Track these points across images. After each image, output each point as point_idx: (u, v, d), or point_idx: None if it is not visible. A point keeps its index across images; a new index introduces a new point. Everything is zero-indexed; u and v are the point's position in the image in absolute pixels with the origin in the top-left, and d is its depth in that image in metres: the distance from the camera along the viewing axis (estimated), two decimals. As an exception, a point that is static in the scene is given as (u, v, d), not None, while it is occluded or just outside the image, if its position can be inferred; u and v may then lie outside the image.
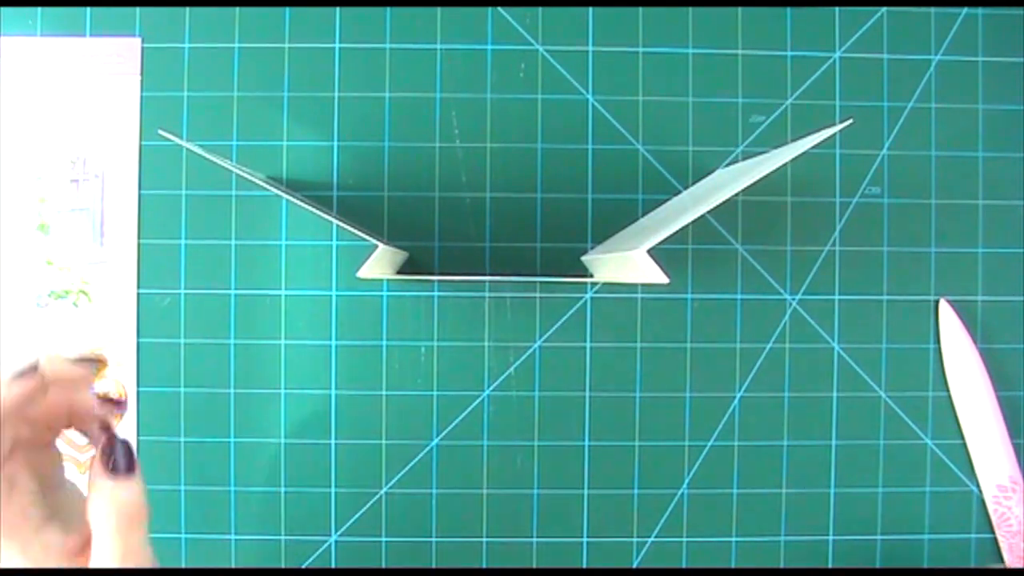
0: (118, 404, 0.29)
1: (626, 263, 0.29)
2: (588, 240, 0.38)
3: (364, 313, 0.38)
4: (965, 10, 0.38)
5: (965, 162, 0.38)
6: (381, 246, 0.29)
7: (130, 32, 0.37)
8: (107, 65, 0.37)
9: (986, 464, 0.37)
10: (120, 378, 0.37)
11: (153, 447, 0.37)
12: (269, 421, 0.37)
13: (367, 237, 0.30)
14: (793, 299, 0.38)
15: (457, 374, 0.38)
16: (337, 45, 0.38)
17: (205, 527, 0.37)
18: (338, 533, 0.37)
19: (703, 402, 0.38)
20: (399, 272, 0.36)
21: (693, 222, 0.25)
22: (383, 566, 0.37)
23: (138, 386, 0.37)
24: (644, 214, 0.38)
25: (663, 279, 0.25)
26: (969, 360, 0.37)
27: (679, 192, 0.38)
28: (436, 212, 0.38)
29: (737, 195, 0.26)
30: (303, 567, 0.37)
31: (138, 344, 0.37)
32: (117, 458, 0.24)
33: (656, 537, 0.38)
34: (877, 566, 0.38)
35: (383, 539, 0.37)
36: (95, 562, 0.23)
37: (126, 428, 0.37)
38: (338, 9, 0.38)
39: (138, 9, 0.37)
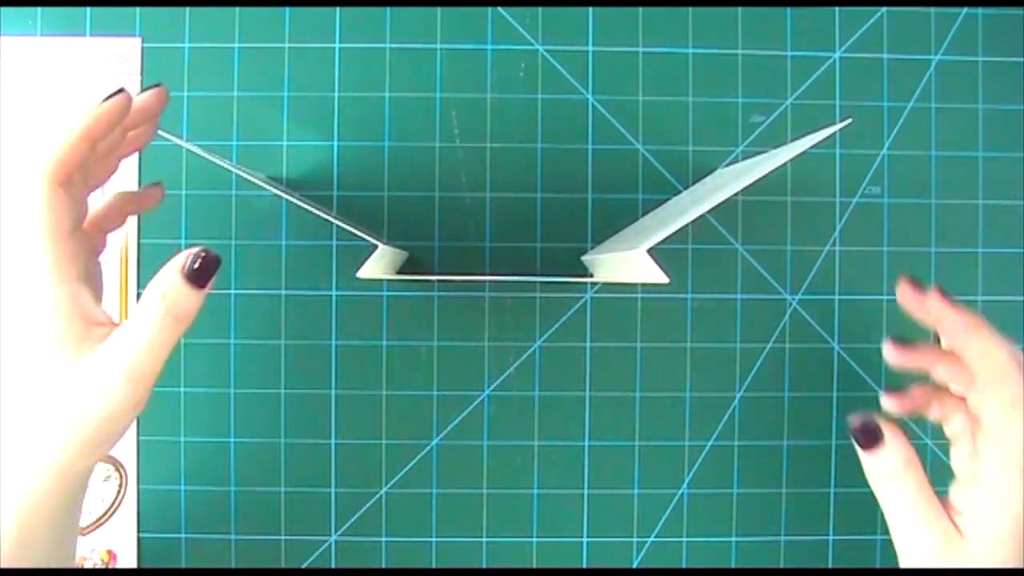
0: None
1: (626, 263, 0.29)
2: (588, 240, 0.38)
3: (364, 313, 0.38)
4: (965, 10, 0.38)
5: (965, 162, 0.38)
6: (381, 246, 0.29)
7: (130, 32, 0.37)
8: (107, 65, 0.37)
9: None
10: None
11: (153, 447, 0.37)
12: (269, 421, 0.37)
13: (367, 237, 0.30)
14: (793, 299, 0.38)
15: (457, 374, 0.38)
16: (337, 45, 0.38)
17: (205, 527, 0.37)
18: (338, 533, 0.37)
19: (703, 402, 0.38)
20: (399, 272, 0.36)
21: (693, 222, 0.25)
22: (383, 566, 0.37)
23: (138, 386, 0.37)
24: (644, 214, 0.38)
25: (663, 279, 0.25)
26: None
27: (679, 192, 0.38)
28: (436, 212, 0.38)
29: (737, 195, 0.26)
30: (303, 567, 0.37)
31: (138, 344, 0.37)
32: (195, 266, 0.25)
33: (656, 537, 0.38)
34: (877, 566, 0.38)
35: (383, 539, 0.37)
36: (115, 338, 0.25)
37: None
38: (338, 9, 0.38)
39: (138, 9, 0.37)
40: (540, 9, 0.38)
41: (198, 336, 0.37)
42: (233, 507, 0.37)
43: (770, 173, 0.28)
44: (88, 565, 0.37)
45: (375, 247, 0.29)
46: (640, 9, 0.38)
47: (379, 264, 0.30)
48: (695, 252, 0.38)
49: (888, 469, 0.28)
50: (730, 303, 0.38)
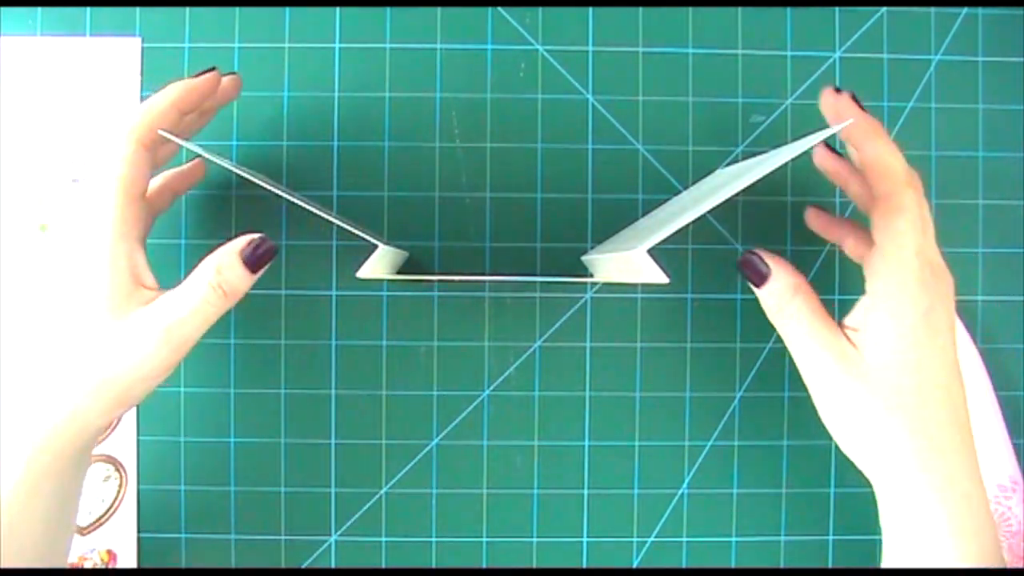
0: None
1: (626, 263, 0.29)
2: (588, 240, 0.38)
3: (364, 313, 0.38)
4: (965, 10, 0.38)
5: (965, 162, 0.38)
6: (381, 246, 0.29)
7: (130, 32, 0.37)
8: (107, 65, 0.37)
9: (986, 464, 0.37)
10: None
11: (153, 447, 0.37)
12: (269, 421, 0.37)
13: (367, 237, 0.30)
14: (793, 299, 0.38)
15: (457, 374, 0.38)
16: (337, 45, 0.38)
17: (205, 527, 0.37)
18: (338, 533, 0.37)
19: (703, 402, 0.38)
20: (399, 272, 0.36)
21: (693, 222, 0.25)
22: (383, 566, 0.37)
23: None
24: (644, 214, 0.38)
25: (663, 279, 0.25)
26: (969, 360, 0.37)
27: (679, 192, 0.38)
28: (436, 212, 0.38)
29: (737, 195, 0.26)
30: (303, 567, 0.37)
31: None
32: (254, 252, 0.28)
33: (656, 537, 0.38)
34: (878, 566, 0.38)
35: (383, 539, 0.37)
36: (163, 300, 0.27)
37: (126, 428, 0.37)
38: (338, 9, 0.38)
39: (138, 9, 0.37)
40: (540, 9, 0.38)
41: (198, 336, 0.37)
42: (233, 507, 0.37)
43: (770, 173, 0.28)
44: (88, 565, 0.37)
45: (375, 247, 0.29)
46: (640, 9, 0.38)
47: (379, 264, 0.30)
48: (695, 252, 0.38)
49: (778, 298, 0.29)
50: (730, 303, 0.38)
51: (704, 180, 0.37)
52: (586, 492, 0.38)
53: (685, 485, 0.38)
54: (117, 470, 0.37)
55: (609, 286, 0.38)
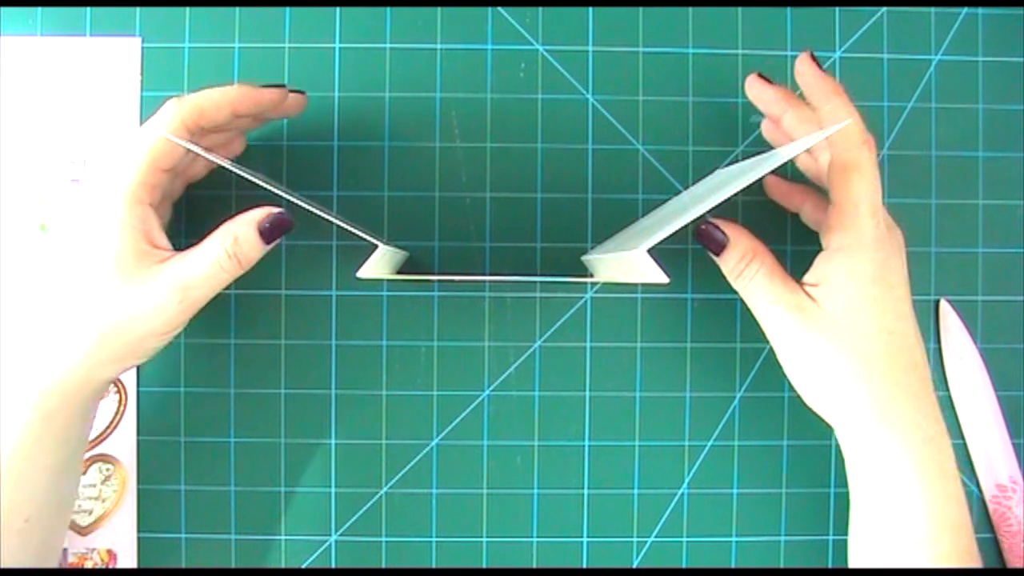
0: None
1: (626, 263, 0.29)
2: (588, 240, 0.38)
3: (364, 313, 0.38)
4: (965, 10, 0.38)
5: (965, 162, 0.38)
6: (381, 246, 0.29)
7: (130, 32, 0.37)
8: (107, 65, 0.37)
9: (986, 464, 0.37)
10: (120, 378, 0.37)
11: (153, 447, 0.37)
12: (269, 421, 0.37)
13: (367, 237, 0.30)
14: (793, 299, 0.38)
15: (457, 374, 0.38)
16: (337, 45, 0.38)
17: (205, 527, 0.37)
18: (338, 533, 0.37)
19: (703, 402, 0.38)
20: (399, 272, 0.36)
21: (693, 222, 0.26)
22: (383, 566, 0.37)
23: (138, 386, 0.37)
24: (644, 214, 0.38)
25: (663, 279, 0.25)
26: (969, 360, 0.37)
27: (679, 192, 0.38)
28: (436, 212, 0.38)
29: (737, 195, 0.26)
30: (303, 567, 0.37)
31: (138, 344, 0.37)
32: (269, 224, 0.29)
33: (656, 537, 0.38)
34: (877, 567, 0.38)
35: (383, 539, 0.37)
36: (177, 259, 0.29)
37: (126, 427, 0.37)
38: (338, 9, 0.38)
39: (138, 9, 0.37)
40: (540, 9, 0.38)
41: (198, 336, 0.37)
42: (233, 507, 0.37)
43: (770, 173, 0.28)
44: (88, 565, 0.37)
45: (375, 247, 0.29)
46: (640, 9, 0.38)
47: (379, 264, 0.30)
48: (695, 252, 0.38)
49: (737, 263, 0.30)
50: (730, 303, 0.38)
51: (704, 180, 0.37)
52: (586, 492, 0.38)
53: (685, 485, 0.38)
54: (117, 470, 0.37)
55: (609, 286, 0.38)
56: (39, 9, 0.37)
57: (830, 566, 0.38)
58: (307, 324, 0.37)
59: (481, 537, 0.38)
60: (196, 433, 0.37)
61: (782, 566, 0.38)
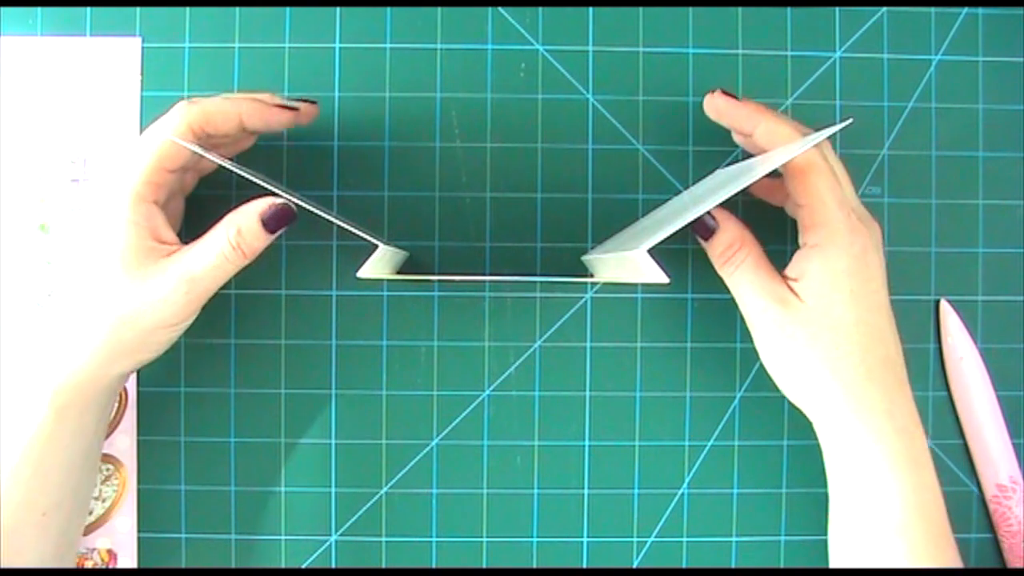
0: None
1: (626, 263, 0.29)
2: (588, 240, 0.38)
3: (364, 313, 0.38)
4: (965, 10, 0.38)
5: (965, 162, 0.38)
6: (381, 246, 0.29)
7: (130, 32, 0.37)
8: (107, 65, 0.37)
9: (986, 464, 0.37)
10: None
11: (153, 447, 0.37)
12: (269, 421, 0.37)
13: (367, 237, 0.30)
14: (793, 299, 0.38)
15: (457, 374, 0.38)
16: (337, 45, 0.38)
17: (205, 527, 0.37)
18: (338, 533, 0.37)
19: (703, 402, 0.38)
20: (399, 272, 0.36)
21: (693, 222, 0.26)
22: (383, 566, 0.37)
23: (138, 386, 0.37)
24: (644, 214, 0.38)
25: (664, 279, 0.25)
26: (969, 360, 0.37)
27: (679, 192, 0.38)
28: (436, 212, 0.38)
29: (737, 195, 0.26)
30: (303, 567, 0.37)
31: (138, 344, 0.37)
32: (272, 215, 0.30)
33: (656, 537, 0.38)
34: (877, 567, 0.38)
35: (383, 539, 0.37)
36: (184, 252, 0.30)
37: (126, 428, 0.37)
38: (338, 9, 0.38)
39: (138, 9, 0.37)
40: (540, 9, 0.38)
41: (198, 336, 0.37)
42: (233, 507, 0.37)
43: (770, 173, 0.28)
44: (88, 565, 0.37)
45: (375, 247, 0.29)
46: (640, 9, 0.38)
47: (379, 264, 0.30)
48: (695, 252, 0.38)
49: (724, 249, 0.31)
50: (730, 303, 0.38)
51: (704, 180, 0.37)
52: (586, 492, 0.38)
53: (685, 485, 0.38)
54: (117, 470, 0.37)
55: (609, 286, 0.38)
56: (39, 9, 0.37)
57: (830, 566, 0.38)
58: (307, 324, 0.37)
59: (481, 537, 0.38)
60: (196, 433, 0.37)
61: (782, 566, 0.38)
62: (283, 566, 0.37)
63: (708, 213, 0.30)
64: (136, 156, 0.29)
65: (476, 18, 0.38)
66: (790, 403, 0.33)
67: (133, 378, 0.37)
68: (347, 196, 0.38)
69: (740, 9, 0.38)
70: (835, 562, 0.32)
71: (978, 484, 0.38)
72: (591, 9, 0.38)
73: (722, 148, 0.38)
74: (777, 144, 0.31)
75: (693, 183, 0.38)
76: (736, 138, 0.36)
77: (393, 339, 0.38)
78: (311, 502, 0.37)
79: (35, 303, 0.37)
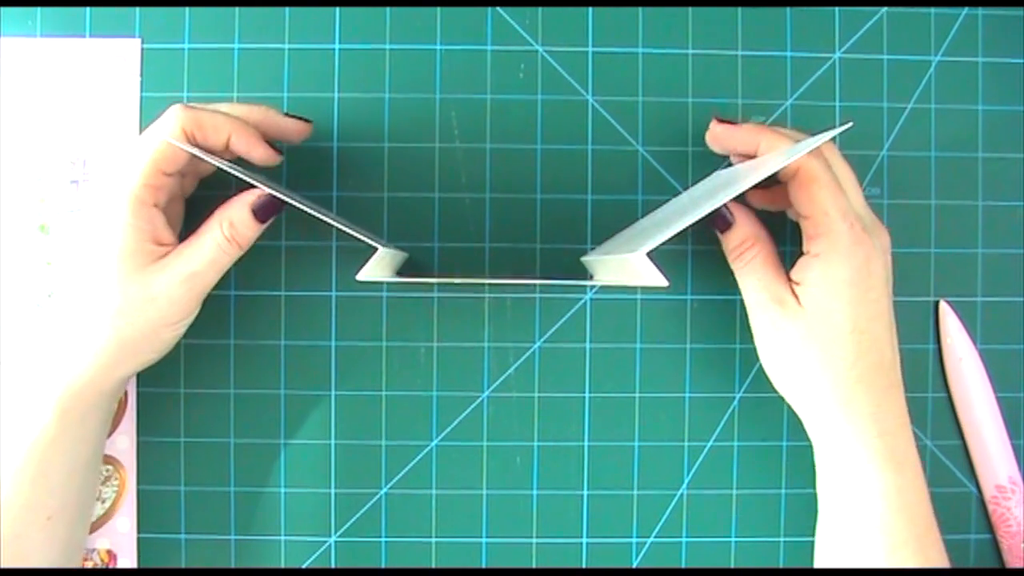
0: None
1: (626, 266, 0.29)
2: (588, 241, 0.38)
3: (364, 313, 0.38)
4: (965, 10, 0.38)
5: (965, 163, 0.38)
6: (381, 249, 0.29)
7: (130, 33, 0.37)
8: (107, 66, 0.37)
9: (985, 465, 0.37)
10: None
11: (153, 447, 0.37)
12: (269, 422, 0.37)
13: (367, 240, 0.30)
14: (793, 300, 0.38)
15: (457, 375, 0.38)
16: (337, 45, 0.38)
17: (205, 527, 0.37)
18: (338, 533, 0.37)
19: (703, 403, 0.38)
20: (398, 273, 0.36)
21: (692, 225, 0.26)
22: (383, 566, 0.37)
23: (138, 387, 0.37)
24: (644, 215, 0.38)
25: (663, 282, 0.25)
26: (968, 361, 0.37)
27: (679, 193, 0.38)
28: (436, 212, 0.38)
29: (739, 198, 0.26)
30: (303, 567, 0.37)
31: (138, 344, 0.37)
32: (261, 205, 0.30)
33: (656, 537, 0.38)
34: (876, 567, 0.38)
35: (383, 539, 0.38)
36: (181, 250, 0.30)
37: (126, 428, 0.37)
38: (338, 9, 0.38)
39: (138, 9, 0.37)
40: (540, 9, 0.38)
41: (198, 336, 0.37)
42: (233, 507, 0.37)
43: (768, 182, 0.28)
44: (88, 565, 0.37)
45: (375, 249, 0.29)
46: (640, 9, 0.38)
47: (379, 267, 0.30)
48: (695, 253, 0.38)
49: (738, 244, 0.32)
50: (730, 304, 0.38)
51: (703, 181, 0.37)
52: (586, 493, 0.38)
53: (685, 486, 0.38)
54: (117, 470, 0.37)
55: (608, 287, 0.38)
56: (39, 9, 0.37)
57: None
58: (307, 325, 0.38)
59: (481, 538, 0.38)
60: (196, 434, 0.37)
61: (782, 566, 0.38)
62: (283, 566, 0.37)
63: (725, 206, 0.31)
64: (133, 160, 0.30)
65: (476, 19, 0.38)
66: (789, 404, 0.33)
67: (132, 379, 0.37)
68: (347, 197, 0.38)
69: (740, 10, 0.38)
70: (819, 557, 0.33)
71: (977, 485, 0.38)
72: (591, 9, 0.38)
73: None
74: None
75: (692, 184, 0.38)
76: (736, 160, 0.36)
77: (393, 340, 0.38)
78: (311, 503, 0.37)
79: (35, 304, 0.37)
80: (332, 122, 0.38)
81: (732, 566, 0.38)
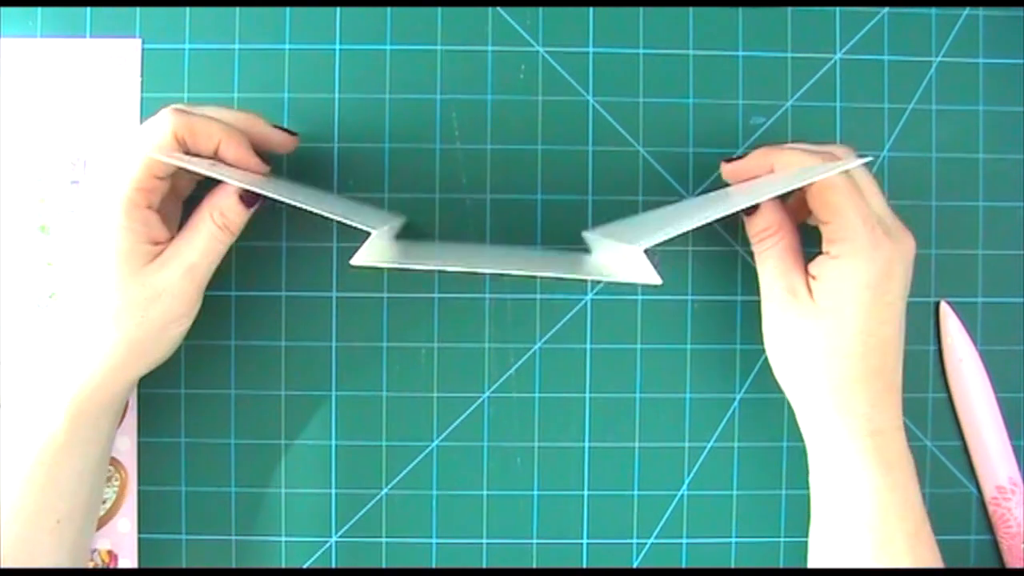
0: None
1: (621, 256, 0.28)
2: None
3: (364, 314, 0.38)
4: (966, 11, 0.38)
5: (966, 164, 0.38)
6: (375, 233, 0.28)
7: (130, 33, 0.37)
8: (107, 66, 0.37)
9: (985, 465, 0.37)
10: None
11: (153, 448, 0.37)
12: (270, 422, 0.37)
13: (359, 225, 0.29)
14: (793, 300, 0.38)
15: (457, 375, 0.38)
16: (337, 46, 0.38)
17: (205, 528, 0.37)
18: (338, 534, 0.38)
19: (703, 403, 0.38)
20: (396, 254, 0.35)
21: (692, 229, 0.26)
22: (383, 567, 0.37)
23: (138, 388, 0.37)
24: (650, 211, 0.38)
25: (656, 280, 0.25)
26: (969, 362, 0.37)
27: (679, 194, 0.38)
28: (436, 213, 0.38)
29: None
30: (303, 567, 0.37)
31: (138, 345, 0.37)
32: (246, 190, 0.30)
33: (656, 538, 0.38)
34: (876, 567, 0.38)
35: (383, 540, 0.38)
36: (176, 244, 0.31)
37: (126, 428, 0.37)
38: (338, 9, 0.38)
39: (138, 9, 0.37)
40: (540, 10, 0.38)
41: (198, 336, 0.37)
42: (233, 507, 0.37)
43: (785, 196, 0.28)
44: (89, 566, 0.37)
45: (368, 235, 0.28)
46: (640, 10, 0.38)
47: (374, 251, 0.29)
48: (695, 253, 0.38)
49: (762, 228, 0.32)
50: (730, 305, 0.38)
51: (713, 193, 0.37)
52: (586, 493, 0.38)
53: (685, 486, 0.38)
54: (117, 470, 0.37)
55: (609, 288, 0.38)
56: (39, 10, 0.37)
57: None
58: (307, 325, 0.38)
59: (481, 539, 0.38)
60: (196, 434, 0.37)
61: (782, 566, 0.38)
62: (283, 566, 0.37)
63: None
64: (125, 164, 0.29)
65: (476, 19, 0.38)
66: (790, 405, 0.33)
67: (133, 379, 0.37)
68: (347, 198, 0.38)
69: (741, 10, 0.38)
70: (811, 554, 0.33)
71: (977, 486, 0.38)
72: (591, 10, 0.38)
73: (722, 150, 0.38)
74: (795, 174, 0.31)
75: (693, 185, 0.38)
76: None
77: (393, 340, 0.38)
78: (311, 503, 0.37)
79: (36, 304, 0.37)
80: (332, 123, 0.38)
81: (732, 566, 0.38)
